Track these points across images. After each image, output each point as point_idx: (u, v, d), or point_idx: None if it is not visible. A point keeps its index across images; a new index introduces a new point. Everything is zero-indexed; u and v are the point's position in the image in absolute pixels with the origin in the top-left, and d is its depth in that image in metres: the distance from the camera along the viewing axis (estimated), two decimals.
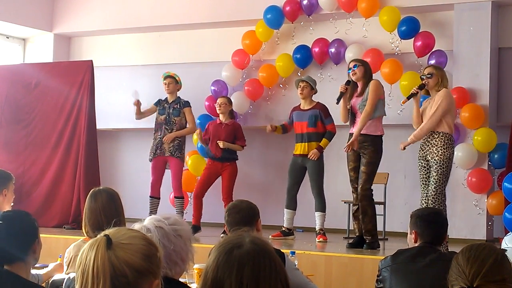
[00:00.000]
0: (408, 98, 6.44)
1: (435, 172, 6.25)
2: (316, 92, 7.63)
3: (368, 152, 6.67)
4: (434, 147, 6.29)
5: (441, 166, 6.25)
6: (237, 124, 8.23)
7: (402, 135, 8.00)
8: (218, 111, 8.16)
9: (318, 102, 7.60)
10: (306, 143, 7.49)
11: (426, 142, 6.36)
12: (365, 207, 6.68)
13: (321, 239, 7.40)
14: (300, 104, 7.68)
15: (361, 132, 6.66)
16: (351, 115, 6.86)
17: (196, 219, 7.96)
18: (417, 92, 6.36)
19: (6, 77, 9.27)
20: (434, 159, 6.26)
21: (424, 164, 6.36)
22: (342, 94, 6.79)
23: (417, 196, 6.53)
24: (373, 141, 6.70)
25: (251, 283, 1.75)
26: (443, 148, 6.27)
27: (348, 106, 6.85)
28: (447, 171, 6.30)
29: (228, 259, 1.78)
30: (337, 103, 6.82)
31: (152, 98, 8.70)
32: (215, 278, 1.78)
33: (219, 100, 8.21)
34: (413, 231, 3.72)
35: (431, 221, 3.70)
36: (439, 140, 6.29)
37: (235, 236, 1.85)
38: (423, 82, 6.35)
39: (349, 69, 6.82)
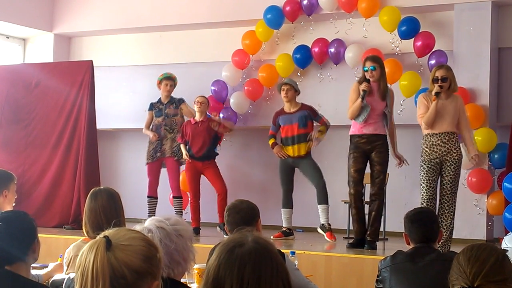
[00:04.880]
0: (437, 95, 6.35)
1: (453, 171, 6.34)
2: (299, 93, 7.64)
3: (382, 151, 6.74)
4: (453, 147, 6.36)
5: (459, 165, 6.41)
6: (211, 118, 8.15)
7: (402, 135, 8.01)
8: (197, 109, 8.05)
9: (302, 103, 7.63)
10: (296, 145, 7.51)
11: (444, 143, 6.34)
12: (381, 206, 6.79)
13: (330, 239, 7.35)
14: (283, 108, 7.69)
15: (374, 133, 6.71)
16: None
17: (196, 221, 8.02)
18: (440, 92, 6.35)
19: (6, 77, 9.27)
20: (454, 159, 6.34)
21: (435, 165, 6.36)
22: (365, 92, 6.59)
23: (417, 196, 6.51)
24: (385, 140, 6.77)
25: (252, 282, 1.74)
26: (459, 148, 6.42)
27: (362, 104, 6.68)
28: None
29: (230, 257, 1.78)
30: (362, 101, 6.60)
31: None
32: (216, 277, 1.77)
33: (199, 99, 8.05)
34: (404, 233, 3.80)
35: (415, 220, 3.77)
36: (456, 141, 6.40)
37: (238, 235, 1.85)
38: (439, 84, 6.30)
39: (365, 67, 6.68)
